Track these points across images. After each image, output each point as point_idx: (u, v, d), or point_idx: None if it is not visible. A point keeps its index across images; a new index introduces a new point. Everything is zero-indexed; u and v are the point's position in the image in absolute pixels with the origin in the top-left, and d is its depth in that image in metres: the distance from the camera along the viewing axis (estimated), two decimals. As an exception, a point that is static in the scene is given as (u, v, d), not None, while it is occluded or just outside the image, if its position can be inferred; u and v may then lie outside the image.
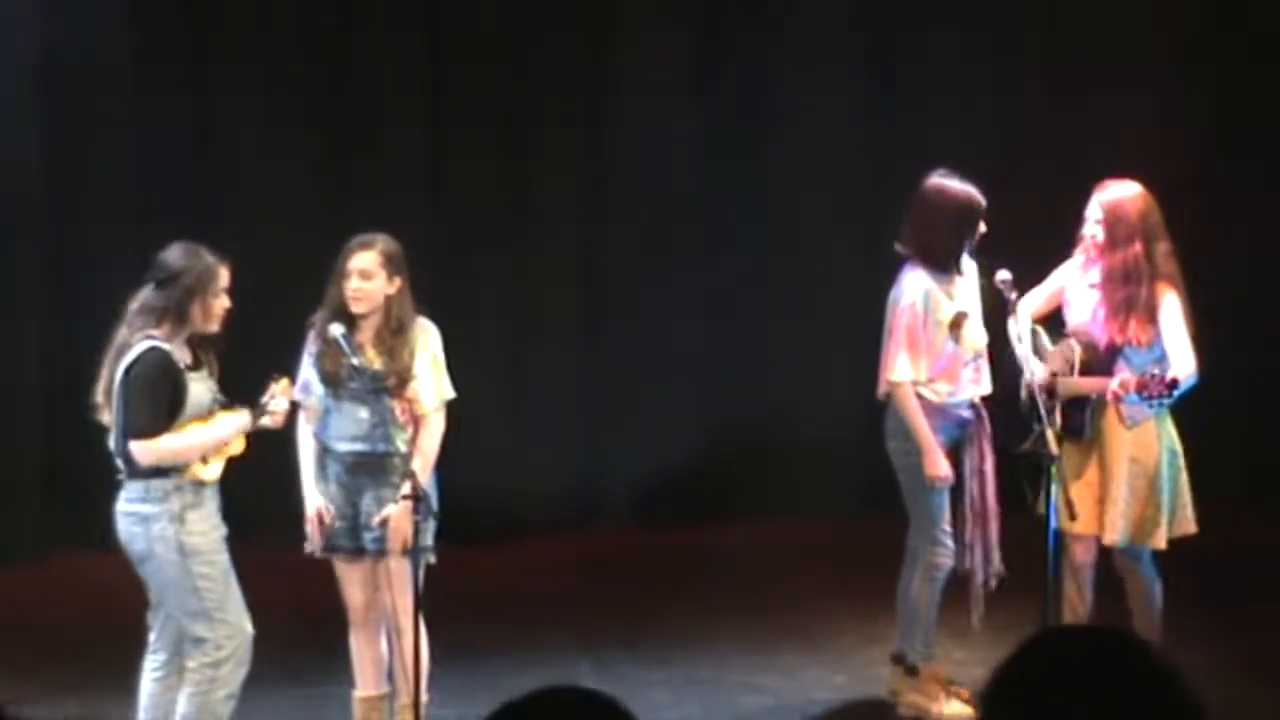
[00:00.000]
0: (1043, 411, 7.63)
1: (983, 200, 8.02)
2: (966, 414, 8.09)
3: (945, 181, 8.07)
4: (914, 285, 7.99)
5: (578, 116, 11.04)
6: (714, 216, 11.17)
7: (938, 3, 11.20)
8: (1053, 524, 7.69)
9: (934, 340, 8.01)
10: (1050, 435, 7.60)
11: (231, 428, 7.12)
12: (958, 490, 8.11)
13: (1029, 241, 8.41)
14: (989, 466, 8.11)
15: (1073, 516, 7.70)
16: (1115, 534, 7.92)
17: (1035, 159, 10.81)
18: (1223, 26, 11.25)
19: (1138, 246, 7.87)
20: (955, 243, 8.01)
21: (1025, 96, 11.00)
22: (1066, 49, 11.14)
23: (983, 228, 8.04)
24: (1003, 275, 7.86)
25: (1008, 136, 10.80)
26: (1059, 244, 8.24)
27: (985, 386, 8.14)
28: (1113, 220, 7.91)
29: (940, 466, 7.98)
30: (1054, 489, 7.65)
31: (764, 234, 11.13)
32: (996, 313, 7.97)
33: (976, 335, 8.09)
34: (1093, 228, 7.95)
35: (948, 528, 8.09)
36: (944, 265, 8.01)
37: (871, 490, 9.65)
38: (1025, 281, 8.01)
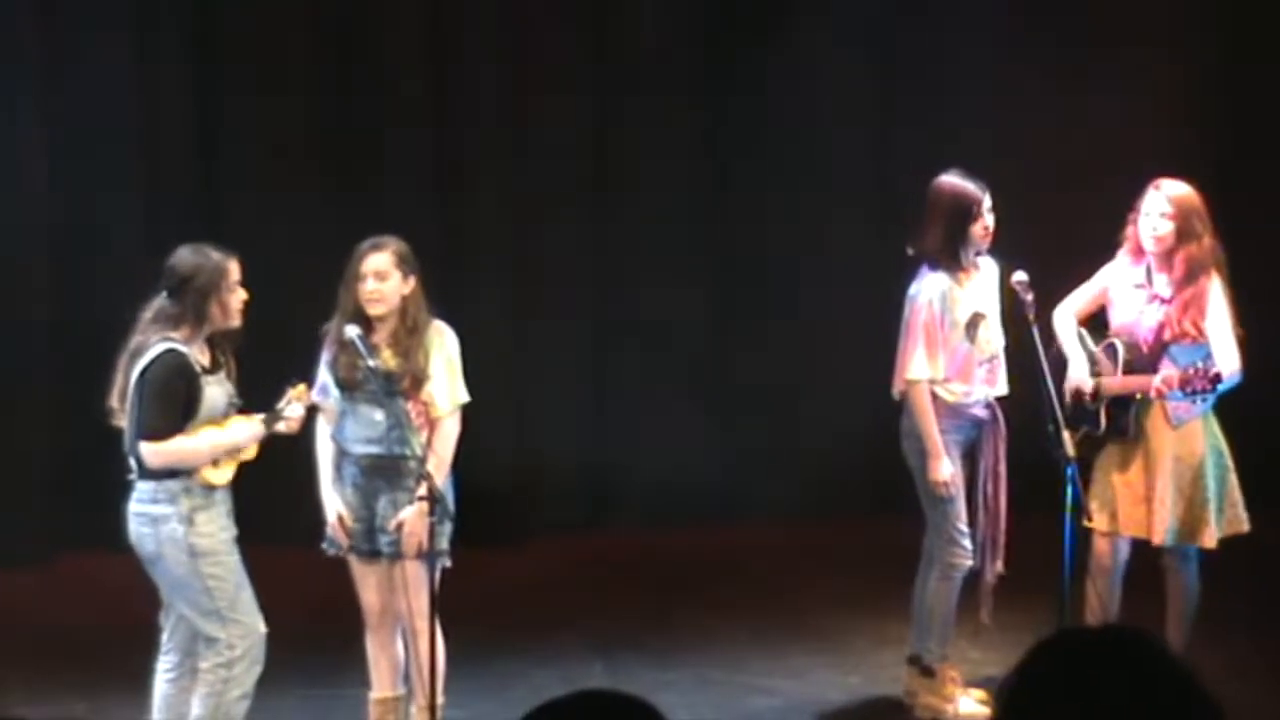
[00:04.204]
0: (1058, 413, 7.62)
1: (979, 196, 7.97)
2: (982, 414, 8.08)
3: (942, 179, 8.07)
4: (931, 284, 7.98)
5: (580, 115, 11.04)
6: (716, 216, 11.18)
7: (941, 3, 11.19)
8: (1068, 525, 7.68)
9: (950, 339, 8.00)
10: (1067, 438, 7.58)
11: (244, 435, 7.11)
12: (973, 490, 8.11)
13: (1045, 242, 8.40)
14: (1003, 468, 8.10)
15: (1088, 519, 7.70)
16: (1163, 534, 7.91)
17: (1044, 159, 10.80)
18: (1223, 26, 11.24)
19: (1207, 241, 7.88)
20: (949, 238, 7.97)
21: (1027, 96, 10.98)
22: (1073, 49, 11.13)
23: (988, 224, 7.99)
24: (1019, 276, 7.84)
25: (1013, 137, 10.78)
26: (1073, 244, 8.22)
27: (1000, 388, 8.13)
28: (1184, 214, 7.88)
29: (943, 472, 7.97)
30: (1069, 490, 7.64)
31: (766, 234, 11.13)
32: (1015, 314, 7.95)
33: (994, 336, 8.07)
34: (1156, 221, 7.90)
35: (964, 527, 8.08)
36: (940, 262, 7.98)
37: (883, 490, 9.66)
38: (1041, 283, 7.98)
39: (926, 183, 8.11)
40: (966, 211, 7.97)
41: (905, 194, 8.25)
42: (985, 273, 8.09)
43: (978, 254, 8.05)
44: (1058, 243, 8.33)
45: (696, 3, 11.19)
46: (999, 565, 8.14)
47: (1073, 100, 11.00)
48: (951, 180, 8.04)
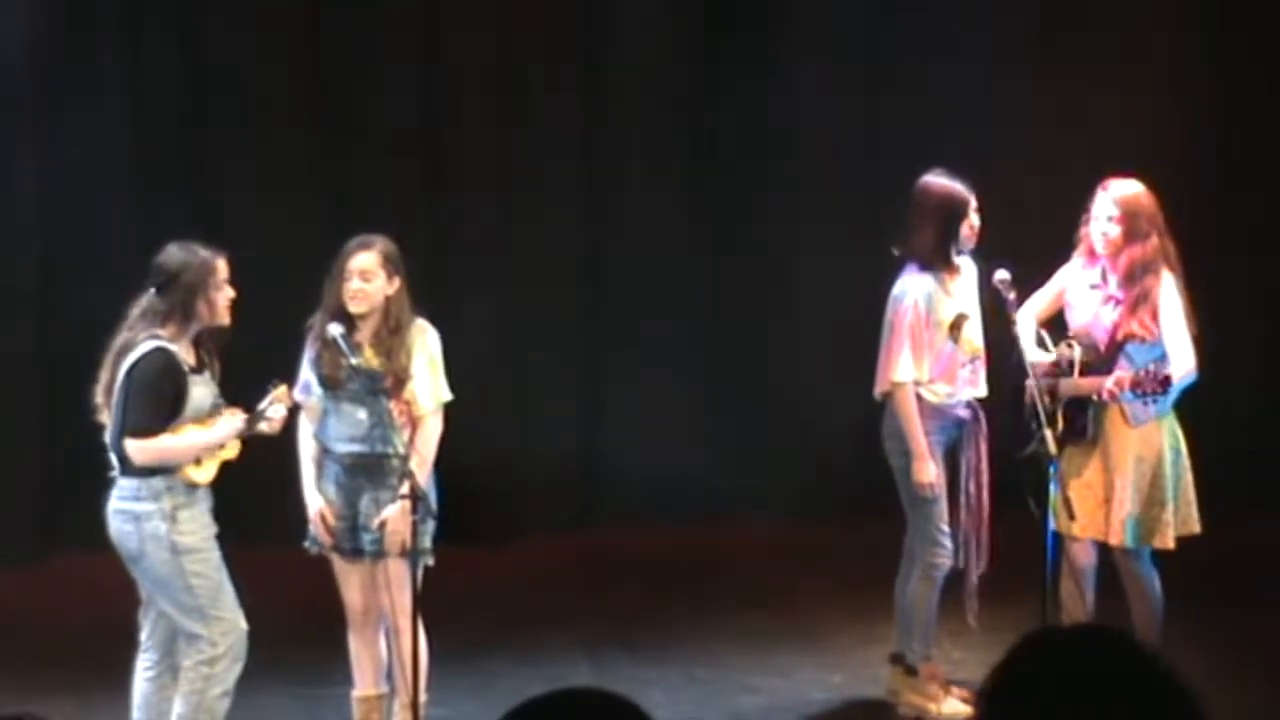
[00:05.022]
0: (1042, 413, 7.62)
1: (967, 196, 7.98)
2: (964, 414, 8.09)
3: (929, 179, 8.07)
4: (916, 285, 7.98)
5: (578, 116, 11.04)
6: (714, 216, 11.18)
7: (938, 3, 11.20)
8: (1050, 525, 7.69)
9: (934, 340, 8.01)
10: (1049, 436, 7.58)
11: (226, 430, 7.12)
12: (954, 490, 8.11)
13: (1027, 241, 8.40)
14: (985, 466, 8.11)
15: (1071, 517, 7.70)
16: (1122, 536, 7.89)
17: (1034, 159, 10.80)
18: (1223, 27, 11.25)
19: (1154, 240, 7.86)
20: (937, 239, 7.98)
21: (1025, 96, 10.99)
22: (1067, 49, 11.14)
23: (975, 223, 8.00)
24: (1001, 275, 7.84)
25: (1007, 136, 10.78)
26: (1058, 244, 8.23)
27: (981, 388, 8.14)
28: (1130, 215, 7.86)
29: (927, 473, 7.97)
30: (1052, 490, 7.64)
31: (764, 234, 11.13)
32: (996, 314, 7.95)
33: (975, 337, 8.08)
34: (1105, 224, 7.90)
35: (945, 527, 8.09)
36: (930, 263, 7.99)
37: (870, 490, 9.64)
38: (1025, 282, 7.99)
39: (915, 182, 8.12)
40: (956, 212, 7.97)
41: (904, 194, 8.24)
42: (966, 273, 8.10)
43: (959, 254, 8.06)
44: (1051, 243, 8.32)
45: (694, 3, 11.19)
46: (984, 565, 8.14)
47: (1070, 99, 11.00)
48: (939, 181, 8.04)
